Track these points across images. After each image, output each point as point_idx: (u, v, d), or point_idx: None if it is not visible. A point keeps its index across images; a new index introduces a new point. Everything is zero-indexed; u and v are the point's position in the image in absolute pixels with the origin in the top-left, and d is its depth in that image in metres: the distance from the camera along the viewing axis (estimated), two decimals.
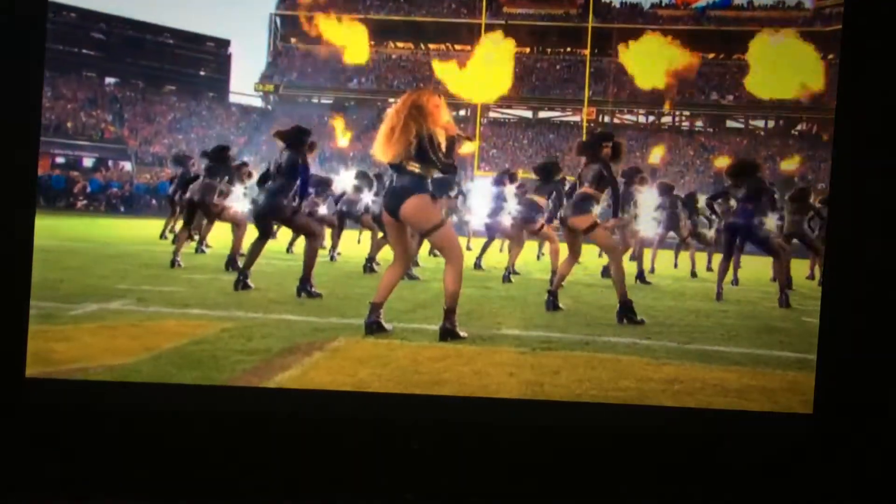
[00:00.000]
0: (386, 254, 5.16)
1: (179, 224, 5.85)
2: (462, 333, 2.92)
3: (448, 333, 2.89)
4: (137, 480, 2.04)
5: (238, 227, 4.95)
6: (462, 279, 2.90)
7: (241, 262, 4.28)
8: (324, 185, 5.81)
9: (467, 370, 2.53)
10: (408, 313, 3.45)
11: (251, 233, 4.24)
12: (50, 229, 6.69)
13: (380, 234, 5.36)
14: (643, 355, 2.85)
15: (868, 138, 2.20)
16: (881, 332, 2.17)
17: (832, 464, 2.14)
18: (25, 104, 2.15)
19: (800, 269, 5.88)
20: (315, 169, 5.25)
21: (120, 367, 2.35)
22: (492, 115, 21.34)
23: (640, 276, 5.39)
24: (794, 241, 5.55)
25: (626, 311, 3.52)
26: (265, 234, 4.01)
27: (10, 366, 2.08)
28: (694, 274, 6.19)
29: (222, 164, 4.94)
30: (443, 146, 2.85)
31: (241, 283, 3.88)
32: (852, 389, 2.18)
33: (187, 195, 5.02)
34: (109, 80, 19.54)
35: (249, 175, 5.37)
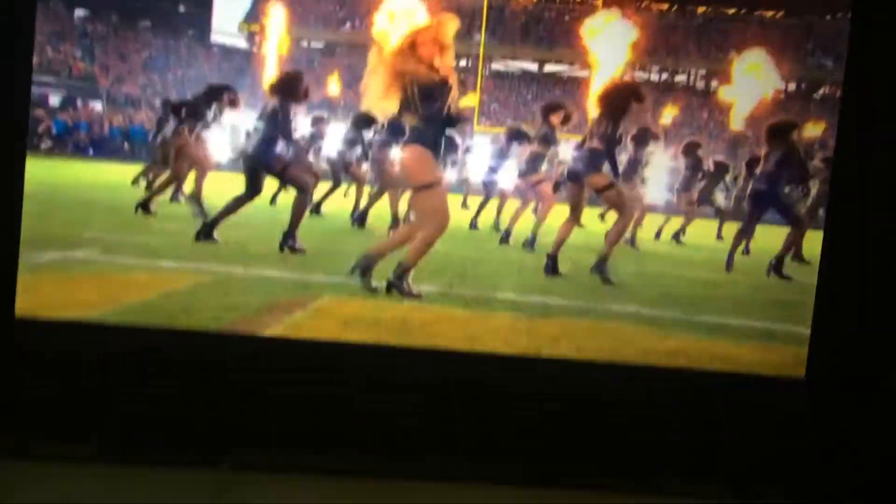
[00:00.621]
0: (379, 212, 5.06)
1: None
2: (415, 291, 2.84)
3: (393, 286, 2.83)
4: (127, 423, 2.07)
5: (199, 168, 4.61)
6: (431, 248, 2.82)
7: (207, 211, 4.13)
8: (318, 123, 5.59)
9: (460, 335, 2.49)
10: None
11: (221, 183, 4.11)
12: None
13: (367, 188, 5.25)
14: (647, 325, 2.82)
15: (875, 111, 2.22)
16: (878, 298, 2.24)
17: (822, 426, 2.23)
18: (13, 41, 2.13)
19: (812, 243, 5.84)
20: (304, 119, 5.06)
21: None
22: (494, 66, 20.86)
23: (632, 240, 5.30)
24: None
25: (602, 268, 3.60)
26: (255, 190, 3.77)
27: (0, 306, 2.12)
28: (678, 238, 6.08)
29: (208, 105, 4.66)
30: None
31: (205, 234, 3.69)
32: (845, 354, 2.25)
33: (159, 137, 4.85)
34: (79, 12, 18.81)
35: (233, 103, 4.79)
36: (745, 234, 4.70)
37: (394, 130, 4.49)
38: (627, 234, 5.16)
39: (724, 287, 3.95)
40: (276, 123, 3.74)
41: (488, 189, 5.62)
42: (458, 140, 7.03)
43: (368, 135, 5.38)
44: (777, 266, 4.32)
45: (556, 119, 4.70)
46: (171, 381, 2.13)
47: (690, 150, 5.95)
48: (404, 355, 2.30)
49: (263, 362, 2.19)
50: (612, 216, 4.05)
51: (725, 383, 2.37)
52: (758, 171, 4.64)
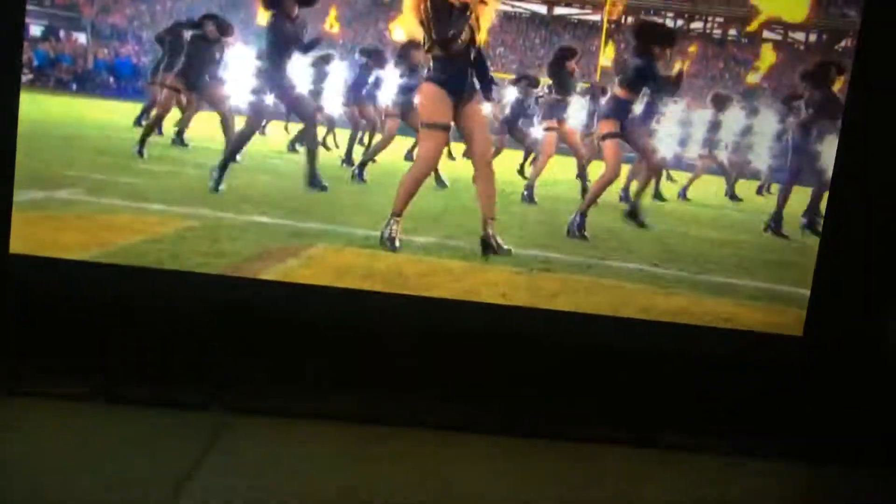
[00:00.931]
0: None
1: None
2: (397, 243, 2.82)
3: (387, 240, 2.82)
4: (121, 363, 2.09)
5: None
6: (415, 191, 2.82)
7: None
8: (319, 64, 5.31)
9: (457, 288, 2.48)
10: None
11: None
12: None
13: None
14: (650, 283, 2.80)
15: (887, 78, 2.18)
16: (879, 259, 2.31)
17: (818, 383, 2.29)
18: None
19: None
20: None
21: None
22: (501, 7, 20.17)
23: (627, 196, 5.11)
24: None
25: (581, 224, 3.52)
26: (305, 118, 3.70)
27: None
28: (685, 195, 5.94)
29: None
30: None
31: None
32: (844, 313, 2.34)
33: None
34: None
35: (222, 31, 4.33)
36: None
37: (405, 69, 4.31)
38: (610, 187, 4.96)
39: (729, 246, 3.92)
40: (271, 41, 3.53)
41: (503, 140, 5.40)
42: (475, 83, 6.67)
43: (375, 72, 5.11)
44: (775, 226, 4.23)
45: (572, 65, 4.55)
46: (167, 321, 2.14)
47: (719, 103, 5.75)
48: (400, 301, 2.31)
49: (259, 305, 2.19)
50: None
51: (724, 339, 2.40)
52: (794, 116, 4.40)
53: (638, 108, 3.66)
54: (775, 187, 5.52)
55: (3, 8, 2.06)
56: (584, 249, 3.32)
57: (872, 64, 2.26)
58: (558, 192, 5.05)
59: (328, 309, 2.27)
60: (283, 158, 4.61)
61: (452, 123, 2.83)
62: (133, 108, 6.05)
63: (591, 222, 4.16)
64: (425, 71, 2.82)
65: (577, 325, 2.37)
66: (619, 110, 3.54)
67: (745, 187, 6.04)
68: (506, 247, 2.85)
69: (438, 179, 4.62)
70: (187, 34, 4.37)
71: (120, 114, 6.47)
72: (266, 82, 3.60)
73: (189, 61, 4.34)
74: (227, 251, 2.56)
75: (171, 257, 2.39)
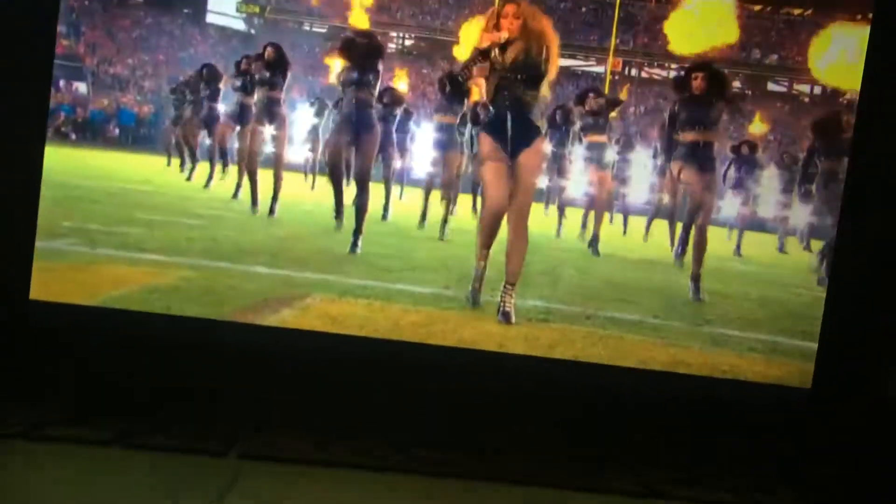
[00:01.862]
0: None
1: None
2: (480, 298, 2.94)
3: (505, 317, 2.84)
4: (139, 410, 2.17)
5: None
6: (493, 225, 2.89)
7: None
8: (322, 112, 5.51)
9: (453, 339, 2.54)
10: (398, 272, 3.45)
11: None
12: None
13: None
14: (649, 335, 2.86)
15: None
16: (885, 310, 2.37)
17: (826, 436, 2.34)
18: (37, 31, 2.30)
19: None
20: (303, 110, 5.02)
21: None
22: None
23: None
24: None
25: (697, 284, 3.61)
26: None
27: (15, 288, 2.31)
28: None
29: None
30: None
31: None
32: (851, 366, 2.39)
33: None
34: None
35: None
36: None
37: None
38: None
39: (732, 298, 3.99)
40: None
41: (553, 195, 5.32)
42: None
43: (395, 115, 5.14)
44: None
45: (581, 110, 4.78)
46: (185, 368, 2.21)
47: (742, 150, 5.89)
48: (409, 349, 2.37)
49: (276, 352, 2.28)
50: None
51: (730, 390, 2.44)
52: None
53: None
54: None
55: (31, 64, 2.24)
56: (583, 300, 3.40)
57: (875, 122, 2.36)
58: (561, 241, 5.17)
59: (344, 356, 2.34)
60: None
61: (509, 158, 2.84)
62: (132, 159, 6.23)
63: (592, 272, 4.25)
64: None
65: (579, 375, 2.43)
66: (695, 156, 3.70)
67: (751, 240, 6.13)
68: (514, 320, 2.81)
69: (423, 218, 4.78)
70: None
71: (119, 164, 6.70)
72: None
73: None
74: (223, 301, 2.64)
75: (165, 309, 2.47)
